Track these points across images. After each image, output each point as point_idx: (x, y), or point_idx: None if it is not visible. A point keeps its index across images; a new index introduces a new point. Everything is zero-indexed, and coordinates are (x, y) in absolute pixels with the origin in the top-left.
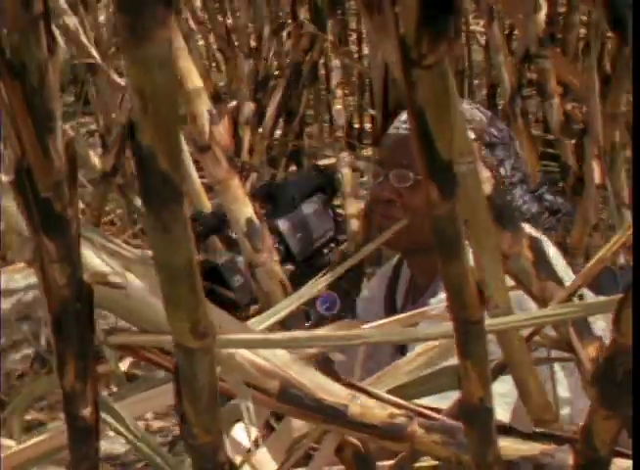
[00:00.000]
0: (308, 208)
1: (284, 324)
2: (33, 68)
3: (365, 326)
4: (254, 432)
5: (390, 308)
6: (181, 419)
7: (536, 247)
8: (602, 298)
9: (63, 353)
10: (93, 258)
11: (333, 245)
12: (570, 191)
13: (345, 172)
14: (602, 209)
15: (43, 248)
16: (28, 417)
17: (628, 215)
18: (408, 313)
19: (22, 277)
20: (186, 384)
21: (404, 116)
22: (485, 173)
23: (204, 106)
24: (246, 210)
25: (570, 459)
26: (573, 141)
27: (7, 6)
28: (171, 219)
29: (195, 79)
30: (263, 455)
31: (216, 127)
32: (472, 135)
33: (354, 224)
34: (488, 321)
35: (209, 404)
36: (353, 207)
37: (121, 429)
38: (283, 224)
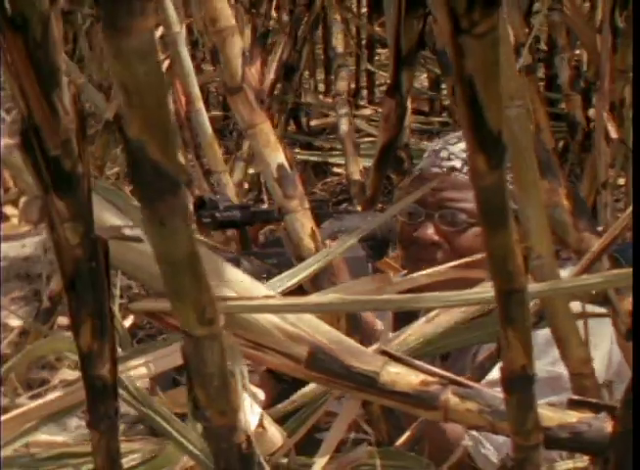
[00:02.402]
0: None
1: (314, 283)
2: (35, 20)
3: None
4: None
5: None
6: (193, 403)
7: (575, 197)
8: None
9: (78, 313)
10: (105, 213)
11: None
12: (577, 148)
13: (346, 131)
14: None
15: (53, 207)
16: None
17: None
18: (438, 268)
19: (18, 235)
20: (196, 371)
21: (443, 152)
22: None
23: (237, 45)
24: (277, 154)
25: (607, 427)
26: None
27: None
28: (168, 212)
29: (228, 18)
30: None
31: (249, 69)
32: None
33: (356, 185)
34: (531, 288)
35: (221, 388)
36: (355, 167)
37: (125, 394)
38: None
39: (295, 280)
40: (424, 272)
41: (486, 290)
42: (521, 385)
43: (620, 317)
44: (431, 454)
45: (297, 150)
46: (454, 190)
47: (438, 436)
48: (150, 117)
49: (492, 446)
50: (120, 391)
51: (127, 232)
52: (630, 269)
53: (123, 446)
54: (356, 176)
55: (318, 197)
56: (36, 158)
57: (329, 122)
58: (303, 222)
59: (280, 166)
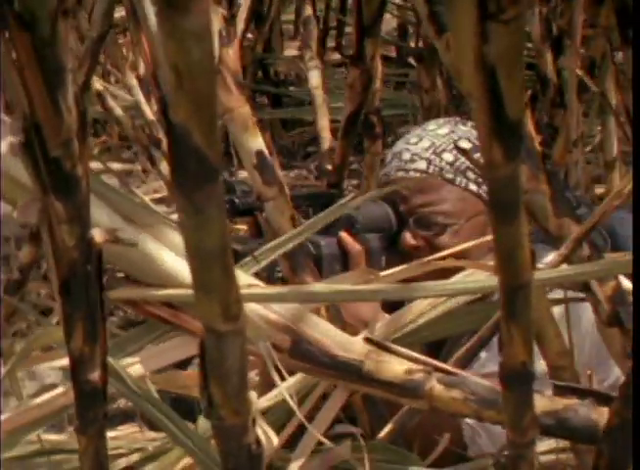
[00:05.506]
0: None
1: (290, 262)
2: (44, 18)
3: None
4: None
5: None
6: (208, 401)
7: (554, 182)
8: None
9: (71, 317)
10: (102, 214)
11: None
12: (549, 104)
13: (316, 84)
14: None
15: (52, 208)
16: None
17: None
18: (427, 259)
19: None
20: (214, 367)
21: (406, 154)
22: None
23: (214, 25)
24: (256, 140)
25: (593, 414)
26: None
27: None
28: (206, 201)
29: None
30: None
31: (226, 49)
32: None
33: (326, 141)
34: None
35: (238, 387)
36: (324, 121)
37: (125, 390)
38: (325, 247)
39: (270, 258)
40: (410, 265)
41: (475, 279)
42: (519, 382)
43: (601, 303)
44: (424, 445)
45: (265, 100)
46: (424, 194)
47: (433, 428)
48: (198, 102)
49: (488, 437)
50: (119, 385)
51: (122, 235)
52: (610, 259)
53: (118, 444)
54: (326, 132)
55: (286, 149)
56: (36, 158)
57: (296, 71)
58: (283, 211)
59: (259, 153)
